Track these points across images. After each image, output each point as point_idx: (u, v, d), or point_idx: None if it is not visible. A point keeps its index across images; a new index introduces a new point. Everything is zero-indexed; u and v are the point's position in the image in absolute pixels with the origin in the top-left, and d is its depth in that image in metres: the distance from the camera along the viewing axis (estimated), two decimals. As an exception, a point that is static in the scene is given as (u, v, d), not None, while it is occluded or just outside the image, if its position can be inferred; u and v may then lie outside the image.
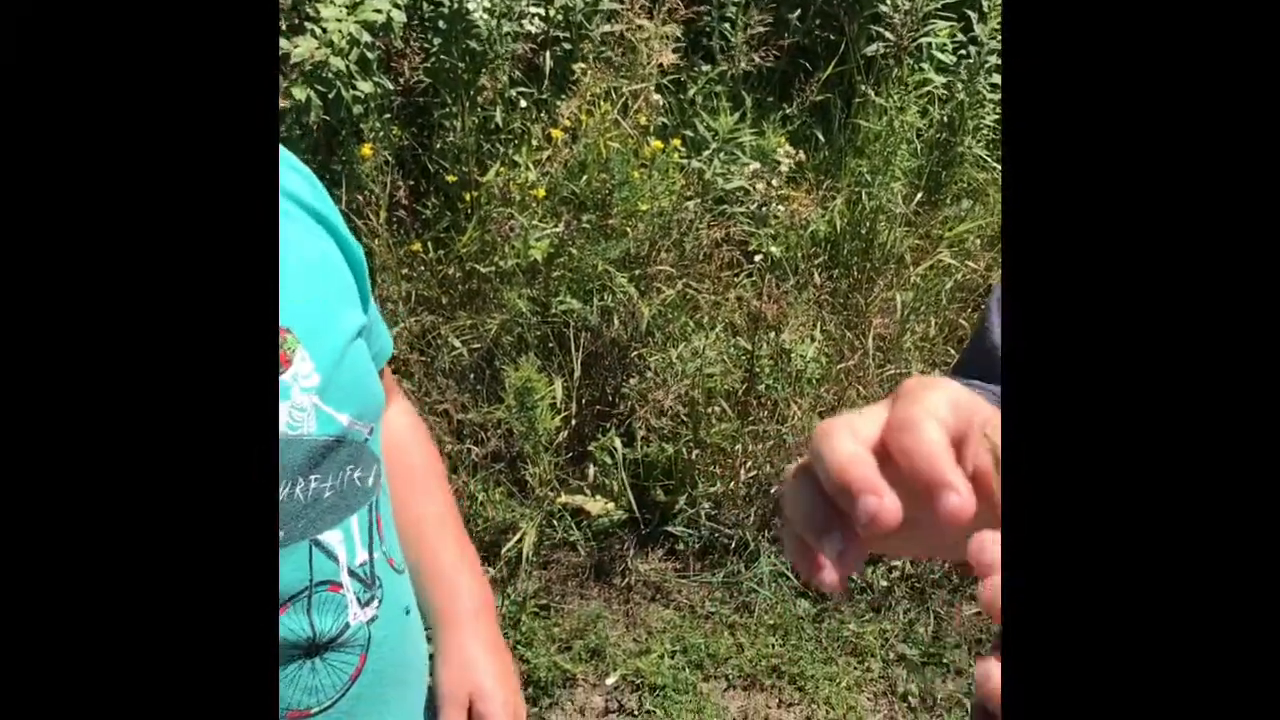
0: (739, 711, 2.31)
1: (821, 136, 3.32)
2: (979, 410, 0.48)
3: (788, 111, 3.17)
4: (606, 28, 3.14)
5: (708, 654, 2.41)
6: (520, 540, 2.53)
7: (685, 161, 2.99)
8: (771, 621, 2.49)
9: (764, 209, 3.00)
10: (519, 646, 2.39)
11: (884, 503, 0.45)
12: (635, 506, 2.67)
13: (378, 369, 0.99)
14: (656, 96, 2.85)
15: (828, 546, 0.46)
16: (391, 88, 2.87)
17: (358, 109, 2.62)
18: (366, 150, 2.85)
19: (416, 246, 2.88)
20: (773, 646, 2.44)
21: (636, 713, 2.29)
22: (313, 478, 0.82)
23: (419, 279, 2.86)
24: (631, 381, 2.74)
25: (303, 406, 0.82)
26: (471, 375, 2.80)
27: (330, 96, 2.52)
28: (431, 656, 1.05)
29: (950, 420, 0.48)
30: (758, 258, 2.91)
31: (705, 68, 3.26)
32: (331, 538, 0.85)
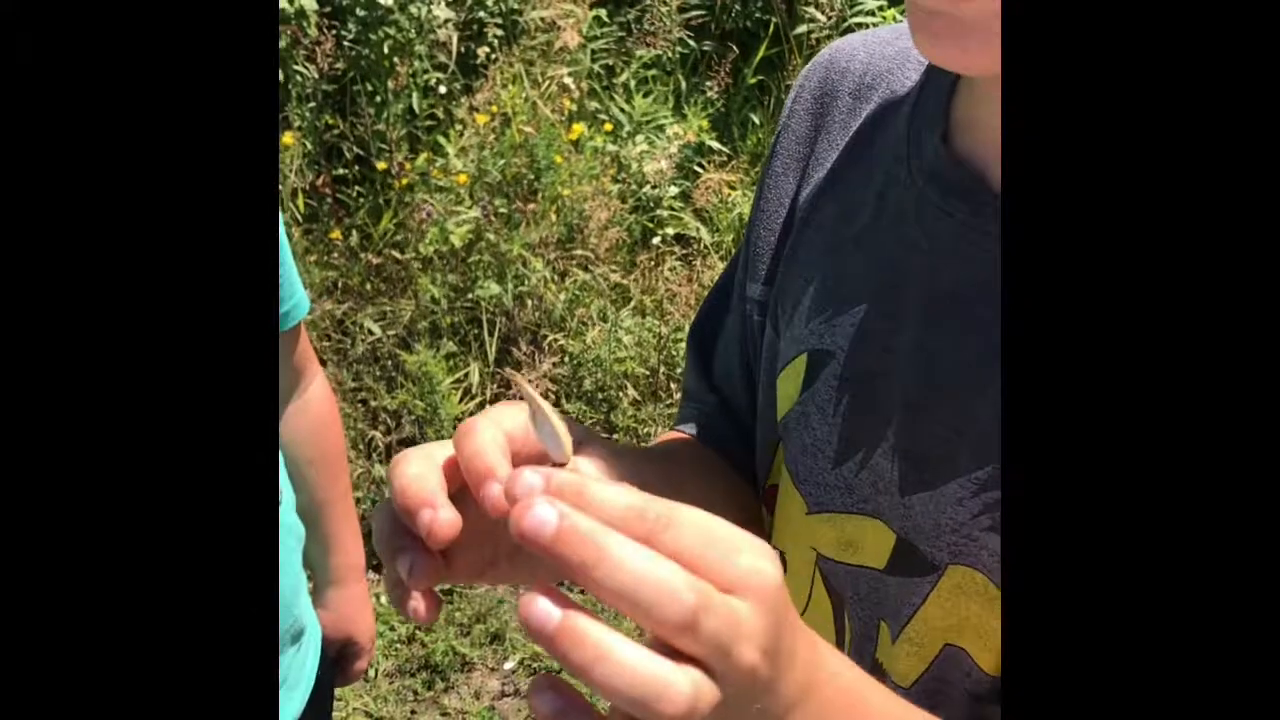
0: (635, 695, 2.30)
1: (757, 119, 3.29)
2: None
3: (711, 94, 3.15)
4: (536, 13, 3.13)
5: (609, 638, 2.40)
6: (427, 525, 2.53)
7: (605, 145, 2.97)
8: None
9: (689, 193, 2.98)
10: (417, 631, 2.39)
11: (438, 515, 0.45)
12: (547, 491, 2.66)
13: (289, 325, 1.12)
14: (569, 80, 2.83)
15: (400, 565, 0.47)
16: (315, 76, 2.88)
17: (266, 96, 2.63)
18: (288, 139, 2.86)
19: (336, 234, 2.89)
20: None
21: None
22: None
23: (337, 266, 2.87)
24: (545, 366, 2.73)
25: None
26: (389, 361, 2.80)
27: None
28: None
29: (516, 431, 0.49)
30: (676, 242, 2.89)
31: (639, 52, 3.24)
32: None
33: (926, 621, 0.59)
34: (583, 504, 0.38)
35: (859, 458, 0.62)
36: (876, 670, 0.62)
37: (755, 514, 0.74)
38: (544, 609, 0.37)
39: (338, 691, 2.26)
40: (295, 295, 1.12)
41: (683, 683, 0.37)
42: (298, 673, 1.13)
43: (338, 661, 1.29)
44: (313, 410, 1.22)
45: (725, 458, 0.77)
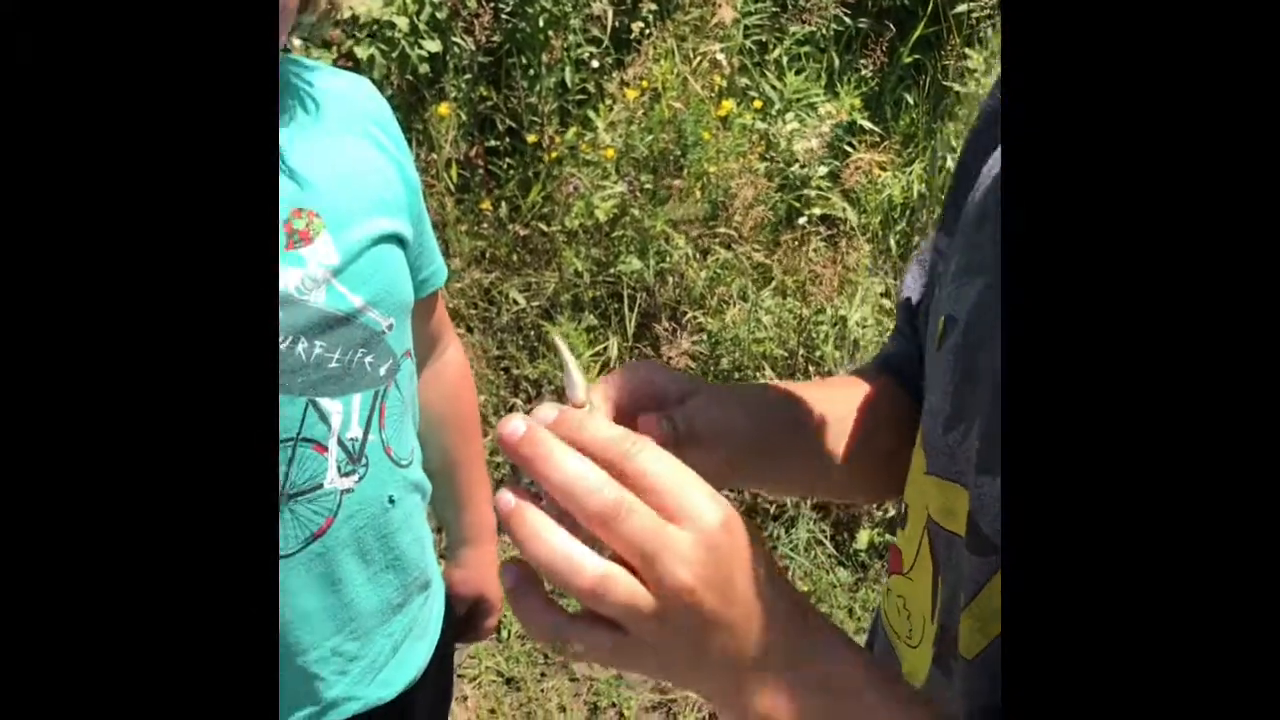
0: (759, 675, 2.30)
1: (911, 100, 3.21)
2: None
3: (865, 73, 3.09)
4: (691, -12, 3.12)
5: (736, 616, 2.41)
6: (561, 494, 2.58)
7: (755, 123, 2.95)
8: (806, 588, 2.47)
9: (838, 173, 2.94)
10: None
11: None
12: (680, 467, 2.68)
13: (427, 292, 1.15)
14: (720, 56, 2.82)
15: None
16: (472, 48, 2.94)
17: (424, 68, 2.70)
18: (444, 109, 2.93)
19: (486, 205, 2.95)
20: (803, 614, 2.42)
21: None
22: (317, 343, 0.95)
23: (485, 236, 2.93)
24: (684, 343, 2.74)
25: (315, 278, 0.95)
26: (532, 331, 2.86)
27: (394, 55, 2.61)
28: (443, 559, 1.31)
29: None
30: (824, 223, 2.85)
31: (793, 29, 3.20)
32: (330, 405, 0.97)
33: (989, 601, 0.60)
34: (571, 432, 0.48)
35: (962, 428, 0.63)
36: (954, 641, 0.63)
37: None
38: (505, 497, 0.47)
39: (472, 649, 2.33)
40: (434, 264, 1.16)
41: (594, 564, 0.46)
42: (424, 624, 1.17)
43: (470, 618, 1.33)
44: (447, 375, 1.26)
45: (904, 389, 0.79)
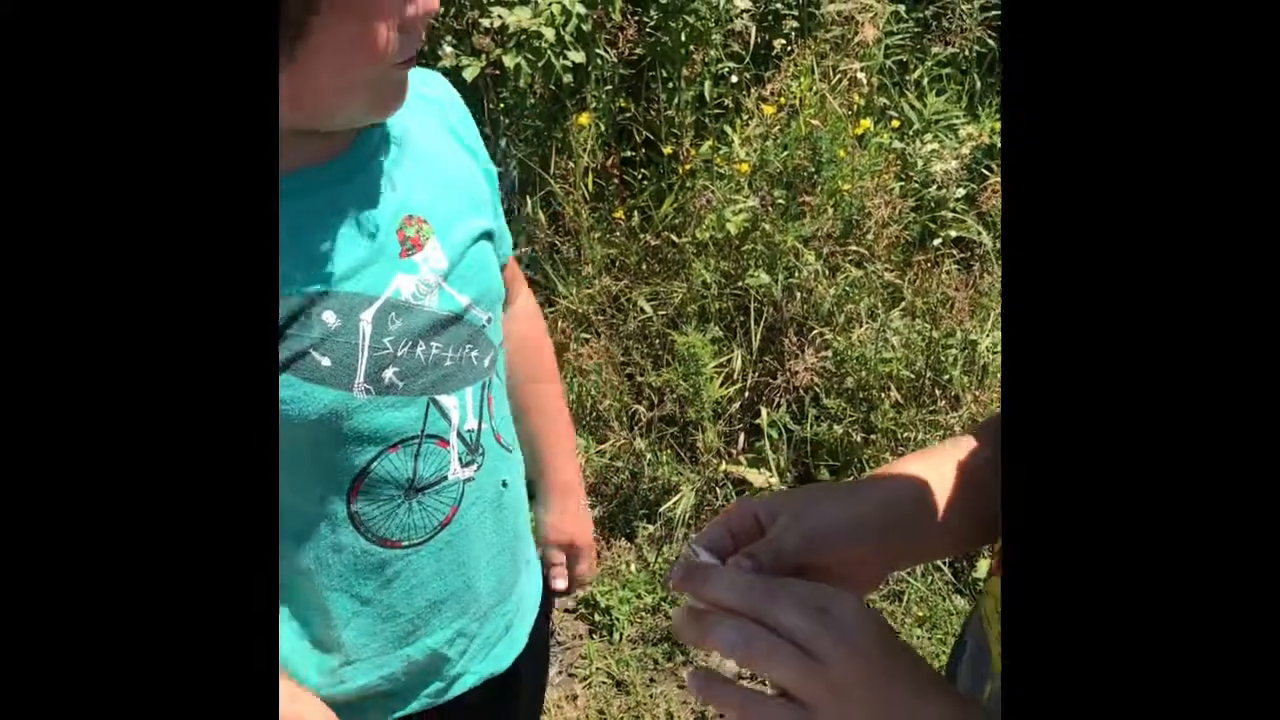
0: (870, 698, 2.28)
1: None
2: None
3: (1009, 95, 3.03)
4: (834, 6, 3.12)
5: (848, 637, 2.39)
6: (679, 501, 2.60)
7: (892, 142, 2.93)
8: (921, 613, 2.43)
9: (974, 195, 2.90)
10: (663, 604, 2.46)
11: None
12: (799, 483, 2.67)
13: (501, 264, 1.17)
14: (861, 74, 2.81)
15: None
16: (614, 60, 3.00)
17: (568, 78, 2.76)
18: (584, 119, 2.99)
19: (619, 214, 3.00)
20: (918, 638, 2.38)
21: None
22: (434, 344, 0.99)
23: (617, 244, 2.98)
24: (809, 359, 2.74)
25: (429, 283, 0.99)
26: (657, 340, 2.89)
27: (540, 64, 2.67)
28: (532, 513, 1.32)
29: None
30: (957, 245, 2.82)
31: (935, 49, 3.17)
32: (448, 401, 1.01)
33: None
34: (705, 590, 0.57)
35: None
36: None
37: None
38: (697, 677, 0.58)
39: (584, 650, 2.37)
40: (506, 242, 1.18)
41: (769, 638, 0.54)
42: (531, 598, 1.22)
43: (565, 567, 1.35)
44: (518, 321, 1.26)
45: None
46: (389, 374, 0.95)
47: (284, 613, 1.02)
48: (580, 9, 2.70)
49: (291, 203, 0.88)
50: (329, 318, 0.90)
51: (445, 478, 1.02)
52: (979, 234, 2.88)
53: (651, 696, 2.27)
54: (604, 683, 2.31)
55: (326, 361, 0.90)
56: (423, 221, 0.98)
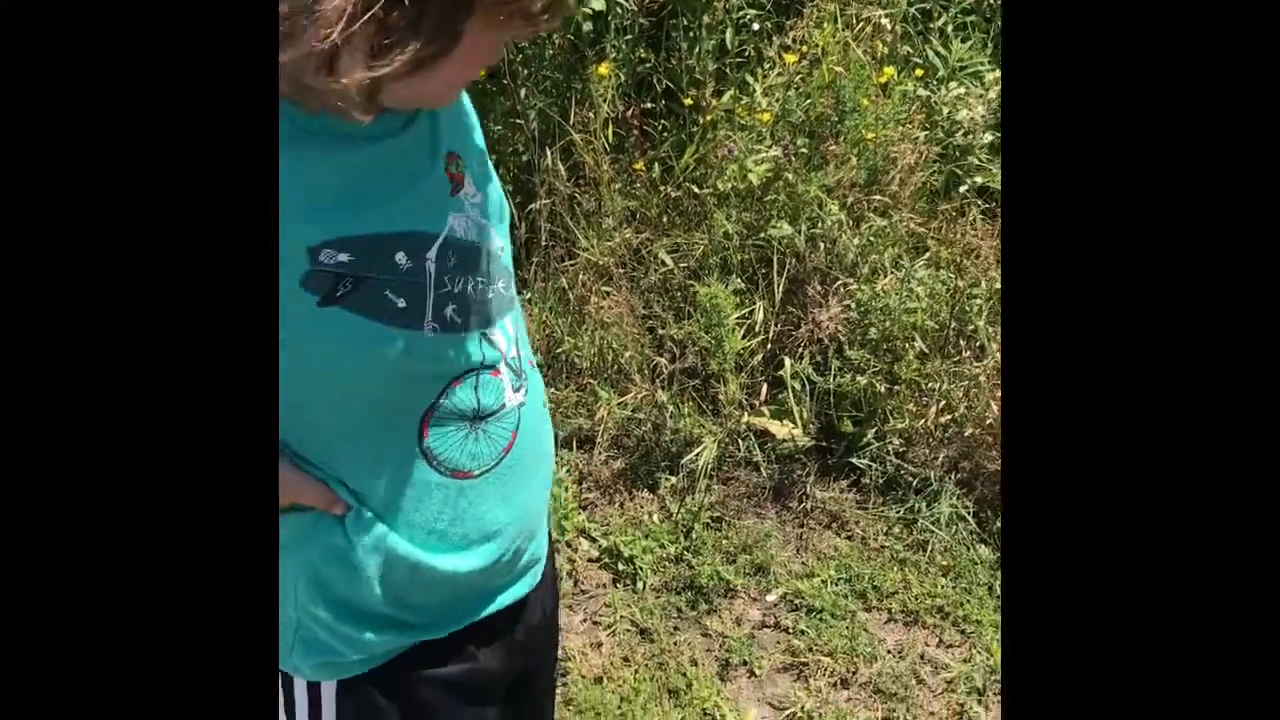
0: (895, 644, 2.28)
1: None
2: None
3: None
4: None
5: (872, 585, 2.39)
6: (701, 453, 2.59)
7: (916, 90, 2.89)
8: (945, 563, 2.43)
9: (998, 143, 2.86)
10: (686, 553, 2.47)
11: None
12: (821, 435, 2.66)
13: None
14: (884, 21, 2.77)
15: None
16: (634, 9, 2.96)
17: (587, 27, 2.73)
18: (604, 69, 2.96)
19: (640, 165, 2.98)
20: (942, 588, 2.38)
21: (791, 630, 2.31)
22: (479, 278, 1.01)
23: (638, 196, 2.96)
24: (832, 310, 2.72)
25: (472, 218, 1.00)
26: (679, 292, 2.87)
27: (559, 13, 2.64)
28: None
29: None
30: (982, 194, 2.78)
31: (960, -4, 3.12)
32: (494, 333, 1.03)
33: None
34: None
35: None
36: None
37: None
38: None
39: (608, 598, 2.38)
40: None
41: None
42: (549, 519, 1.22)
43: None
44: None
45: None
46: (449, 310, 0.97)
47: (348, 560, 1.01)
48: (600, -44, 2.66)
49: (371, 146, 0.90)
50: (400, 258, 0.92)
51: (504, 405, 1.04)
52: (1004, 183, 2.85)
53: (675, 644, 2.28)
54: (628, 630, 2.32)
55: (402, 302, 0.92)
56: (458, 157, 1.00)
